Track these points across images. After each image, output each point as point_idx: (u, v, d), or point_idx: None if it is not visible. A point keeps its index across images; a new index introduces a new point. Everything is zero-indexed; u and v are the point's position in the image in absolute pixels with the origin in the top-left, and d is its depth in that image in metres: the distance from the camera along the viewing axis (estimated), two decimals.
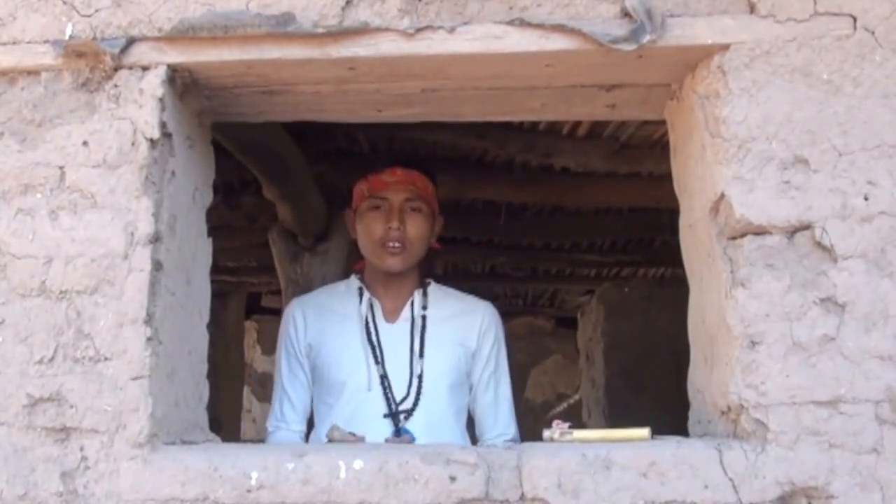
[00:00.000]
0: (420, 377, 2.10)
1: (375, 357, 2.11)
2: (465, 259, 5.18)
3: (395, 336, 2.15)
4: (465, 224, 4.37)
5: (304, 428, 2.17)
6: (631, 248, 4.87)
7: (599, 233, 4.57)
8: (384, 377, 2.09)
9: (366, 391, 2.09)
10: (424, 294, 2.21)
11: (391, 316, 2.18)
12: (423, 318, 2.17)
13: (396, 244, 2.10)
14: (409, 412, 2.07)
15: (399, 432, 2.05)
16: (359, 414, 2.07)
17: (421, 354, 2.12)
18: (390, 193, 2.13)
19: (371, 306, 2.17)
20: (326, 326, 2.17)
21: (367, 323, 2.15)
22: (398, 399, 2.09)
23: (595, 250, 4.93)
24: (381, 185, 2.14)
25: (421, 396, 2.09)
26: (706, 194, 1.55)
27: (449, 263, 5.44)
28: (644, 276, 5.50)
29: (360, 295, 2.19)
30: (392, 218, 2.10)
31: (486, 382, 2.21)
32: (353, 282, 2.24)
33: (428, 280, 2.26)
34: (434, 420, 2.09)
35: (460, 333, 2.19)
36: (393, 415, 2.07)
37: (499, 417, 2.21)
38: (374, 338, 2.14)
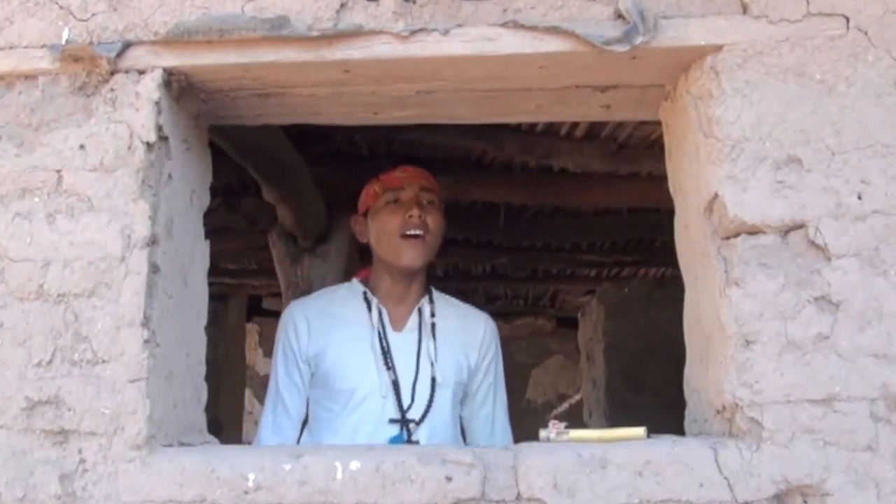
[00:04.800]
0: (433, 383, 2.09)
1: (387, 363, 2.10)
2: (465, 260, 5.18)
3: (403, 344, 2.14)
4: (466, 225, 4.37)
5: (297, 435, 2.13)
6: (631, 249, 4.86)
7: (599, 233, 4.56)
8: (395, 383, 2.08)
9: (378, 398, 2.07)
10: (431, 301, 2.21)
11: (397, 324, 2.17)
12: (433, 325, 2.16)
13: (417, 231, 2.09)
14: (420, 420, 2.07)
15: (408, 441, 2.04)
16: (366, 420, 2.06)
17: (435, 360, 2.12)
18: (406, 186, 2.15)
19: (380, 313, 2.15)
20: (332, 332, 2.13)
21: (378, 330, 2.13)
22: (405, 407, 2.08)
23: (595, 250, 4.92)
24: (395, 180, 2.16)
25: (433, 403, 2.08)
26: (700, 194, 1.55)
27: (450, 265, 5.44)
28: (644, 276, 5.50)
29: (367, 301, 2.17)
30: (411, 207, 2.11)
31: (485, 395, 2.22)
32: (356, 286, 2.22)
33: (430, 286, 2.25)
34: (438, 428, 2.10)
35: (463, 344, 2.18)
36: (402, 421, 2.06)
37: (494, 432, 2.22)
38: (384, 344, 2.12)
